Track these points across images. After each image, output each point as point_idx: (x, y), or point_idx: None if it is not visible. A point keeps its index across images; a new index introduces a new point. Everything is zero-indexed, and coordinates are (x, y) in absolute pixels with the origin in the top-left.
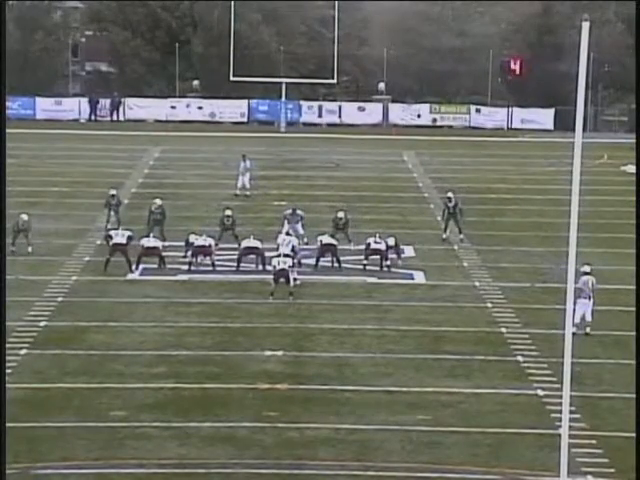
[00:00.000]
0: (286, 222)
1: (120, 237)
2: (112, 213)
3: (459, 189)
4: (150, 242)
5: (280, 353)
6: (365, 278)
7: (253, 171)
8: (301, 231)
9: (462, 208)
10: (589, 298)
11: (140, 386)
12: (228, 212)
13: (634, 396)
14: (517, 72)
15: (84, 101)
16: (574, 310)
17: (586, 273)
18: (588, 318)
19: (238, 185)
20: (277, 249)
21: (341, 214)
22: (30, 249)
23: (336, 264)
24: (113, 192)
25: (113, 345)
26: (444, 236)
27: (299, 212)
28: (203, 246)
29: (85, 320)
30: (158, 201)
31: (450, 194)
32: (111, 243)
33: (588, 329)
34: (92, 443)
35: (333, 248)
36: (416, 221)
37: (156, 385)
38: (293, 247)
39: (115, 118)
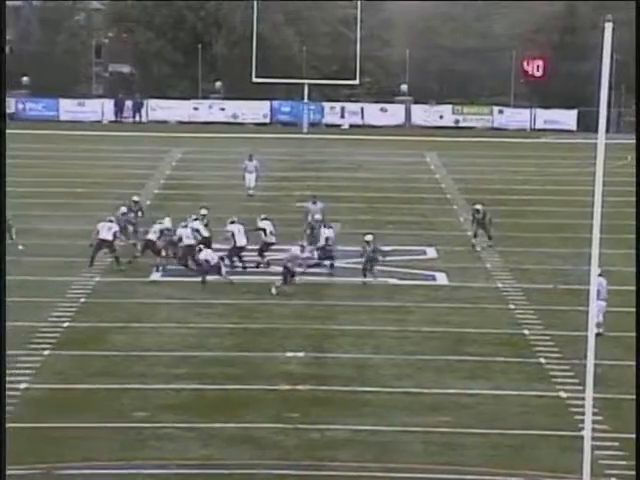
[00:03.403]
0: (308, 216)
1: (106, 232)
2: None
3: (481, 190)
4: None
5: (301, 354)
6: (387, 279)
7: (260, 172)
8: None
9: (491, 218)
10: (605, 300)
11: (162, 387)
12: (203, 211)
13: None
14: (539, 73)
15: (107, 102)
16: (596, 313)
17: (598, 275)
18: (600, 319)
19: (246, 185)
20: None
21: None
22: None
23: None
24: (136, 198)
25: (135, 346)
26: (474, 241)
27: (319, 204)
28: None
29: (107, 321)
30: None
31: (478, 206)
32: (98, 237)
33: (600, 329)
34: (114, 444)
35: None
36: (438, 222)
37: (178, 386)
38: (327, 239)
39: (138, 119)
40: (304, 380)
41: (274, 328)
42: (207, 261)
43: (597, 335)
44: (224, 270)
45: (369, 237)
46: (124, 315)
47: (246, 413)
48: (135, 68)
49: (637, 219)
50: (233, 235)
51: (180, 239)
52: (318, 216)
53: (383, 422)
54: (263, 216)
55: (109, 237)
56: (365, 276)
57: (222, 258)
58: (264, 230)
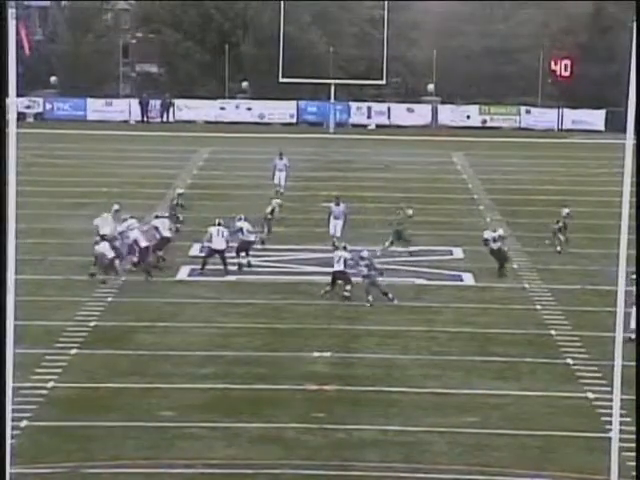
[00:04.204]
0: (331, 217)
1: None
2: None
3: (508, 191)
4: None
5: (328, 354)
6: (414, 279)
7: (289, 171)
8: (338, 232)
9: (568, 223)
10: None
11: (189, 386)
12: (116, 207)
13: None
14: (567, 73)
15: (134, 102)
16: (630, 315)
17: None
18: (632, 325)
19: (275, 182)
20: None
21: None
22: None
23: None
24: (180, 191)
25: (162, 345)
26: (559, 249)
27: (342, 206)
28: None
29: (134, 320)
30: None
31: (566, 211)
32: (100, 234)
33: (632, 335)
34: (141, 443)
35: None
36: (465, 222)
37: (204, 385)
38: (345, 261)
39: (165, 119)
40: (331, 380)
41: (301, 328)
42: (104, 254)
43: (630, 340)
44: (119, 266)
45: (365, 253)
46: (151, 314)
47: (272, 413)
48: (162, 68)
49: (637, 219)
50: (211, 236)
51: (136, 241)
52: (339, 227)
53: (410, 422)
54: (240, 217)
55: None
56: (367, 294)
57: (118, 256)
58: (241, 229)
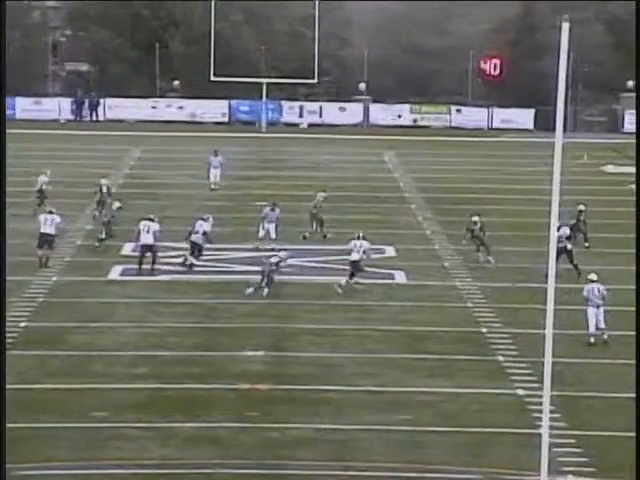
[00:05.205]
0: (264, 221)
1: (49, 226)
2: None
3: (439, 189)
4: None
5: (261, 353)
6: (346, 278)
7: (224, 168)
8: (273, 234)
9: (485, 231)
10: (597, 306)
11: (121, 387)
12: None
13: (614, 395)
14: (496, 72)
15: (64, 101)
16: (587, 319)
17: (592, 281)
18: (602, 326)
19: (210, 180)
20: (349, 254)
21: None
22: None
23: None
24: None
25: (94, 346)
26: (480, 257)
27: (277, 211)
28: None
29: (66, 321)
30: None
31: (476, 218)
32: (39, 232)
33: (605, 336)
34: (74, 444)
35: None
36: (397, 221)
37: (138, 385)
38: (365, 251)
39: (94, 118)
40: (264, 379)
41: (234, 327)
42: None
43: (604, 343)
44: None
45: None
46: (83, 315)
47: (206, 412)
48: (92, 66)
49: (637, 219)
50: (139, 233)
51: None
52: (273, 231)
53: (343, 420)
54: (206, 216)
55: (51, 231)
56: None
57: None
58: (203, 230)
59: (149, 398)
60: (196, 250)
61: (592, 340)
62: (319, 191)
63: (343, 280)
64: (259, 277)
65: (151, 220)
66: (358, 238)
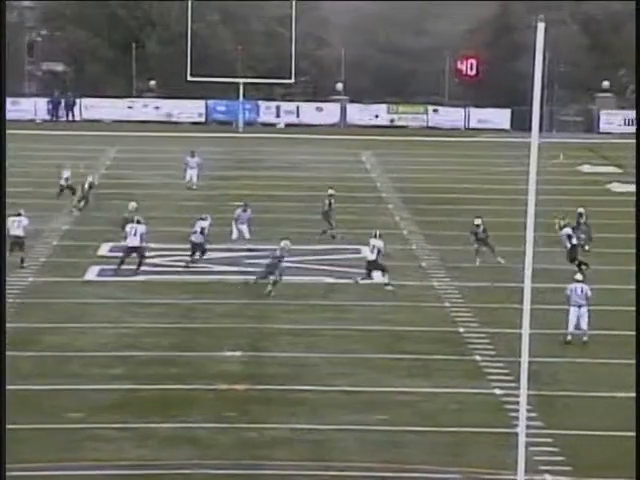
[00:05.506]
0: (237, 223)
1: (17, 228)
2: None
3: (416, 189)
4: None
5: (239, 353)
6: (323, 278)
7: (201, 169)
8: (247, 235)
9: (488, 234)
10: (579, 306)
11: (98, 387)
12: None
13: (590, 394)
14: (473, 72)
15: (40, 101)
16: (567, 318)
17: (577, 281)
18: (583, 326)
19: (187, 179)
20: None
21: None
22: None
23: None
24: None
25: (70, 346)
26: (477, 263)
27: (249, 211)
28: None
29: (41, 321)
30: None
31: (478, 221)
32: (10, 234)
33: (585, 338)
34: (50, 445)
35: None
36: (374, 221)
37: (114, 386)
38: (379, 251)
39: (70, 118)
40: (241, 379)
41: (211, 327)
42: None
43: (583, 343)
44: None
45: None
46: (59, 315)
47: (183, 413)
48: (68, 66)
49: (637, 219)
50: (126, 235)
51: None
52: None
53: (320, 420)
54: (204, 215)
55: (21, 234)
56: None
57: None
58: (202, 229)
59: (125, 399)
60: (198, 250)
61: (569, 338)
62: (329, 187)
63: (359, 278)
64: (267, 273)
65: (138, 222)
66: (375, 237)
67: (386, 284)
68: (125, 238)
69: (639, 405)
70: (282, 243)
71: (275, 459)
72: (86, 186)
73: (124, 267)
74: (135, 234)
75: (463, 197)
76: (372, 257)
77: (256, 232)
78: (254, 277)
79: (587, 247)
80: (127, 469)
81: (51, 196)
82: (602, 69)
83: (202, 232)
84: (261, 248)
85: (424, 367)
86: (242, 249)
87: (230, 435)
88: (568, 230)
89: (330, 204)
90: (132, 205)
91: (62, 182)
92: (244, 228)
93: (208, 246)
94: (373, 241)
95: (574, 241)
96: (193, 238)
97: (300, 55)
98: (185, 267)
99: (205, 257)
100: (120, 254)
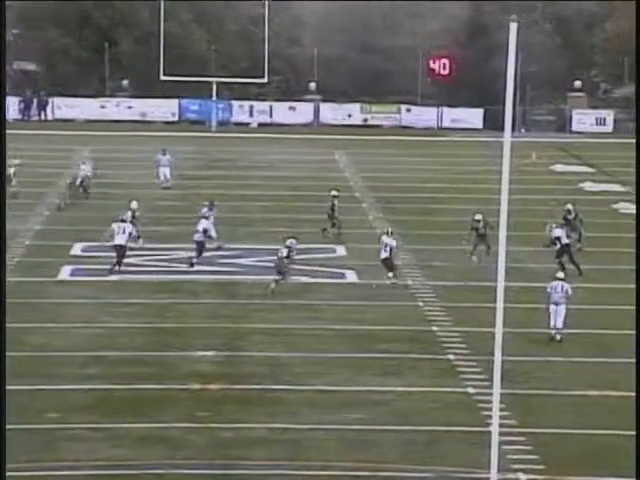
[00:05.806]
0: (203, 219)
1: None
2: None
3: (390, 188)
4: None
5: (212, 353)
6: (298, 277)
7: (172, 167)
8: (213, 233)
9: (493, 226)
10: (557, 304)
11: (72, 387)
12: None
13: (563, 393)
14: (445, 71)
15: (12, 100)
16: (549, 315)
17: (558, 279)
18: (559, 325)
19: (161, 178)
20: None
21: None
22: None
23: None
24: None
25: (44, 346)
26: (474, 259)
27: (215, 210)
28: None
29: (15, 322)
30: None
31: (479, 216)
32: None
33: (558, 336)
34: (24, 445)
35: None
36: (347, 220)
37: (88, 386)
38: (391, 249)
39: (42, 118)
40: (216, 379)
41: (185, 327)
42: None
43: (555, 341)
44: None
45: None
46: (33, 316)
47: (157, 413)
48: (41, 66)
49: (637, 219)
50: (112, 234)
51: None
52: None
53: (296, 420)
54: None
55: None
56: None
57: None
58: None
59: (100, 399)
60: (203, 249)
61: (554, 333)
62: (332, 189)
63: (390, 275)
64: (279, 273)
65: (123, 221)
66: (386, 234)
67: (392, 283)
68: (112, 236)
69: (639, 405)
70: (287, 242)
71: (250, 459)
72: (76, 183)
73: (95, 267)
74: (124, 232)
75: (436, 196)
76: (385, 255)
77: (229, 231)
78: (272, 285)
79: (579, 245)
80: (101, 469)
81: (23, 196)
82: (574, 69)
83: (204, 231)
84: (232, 247)
85: (398, 366)
86: (212, 248)
87: (204, 435)
88: (558, 232)
89: (333, 205)
90: (134, 204)
91: (78, 180)
92: (210, 226)
93: (169, 245)
94: (385, 238)
95: (564, 241)
96: (195, 237)
97: (273, 55)
98: (190, 266)
99: (177, 257)
100: (96, 254)
